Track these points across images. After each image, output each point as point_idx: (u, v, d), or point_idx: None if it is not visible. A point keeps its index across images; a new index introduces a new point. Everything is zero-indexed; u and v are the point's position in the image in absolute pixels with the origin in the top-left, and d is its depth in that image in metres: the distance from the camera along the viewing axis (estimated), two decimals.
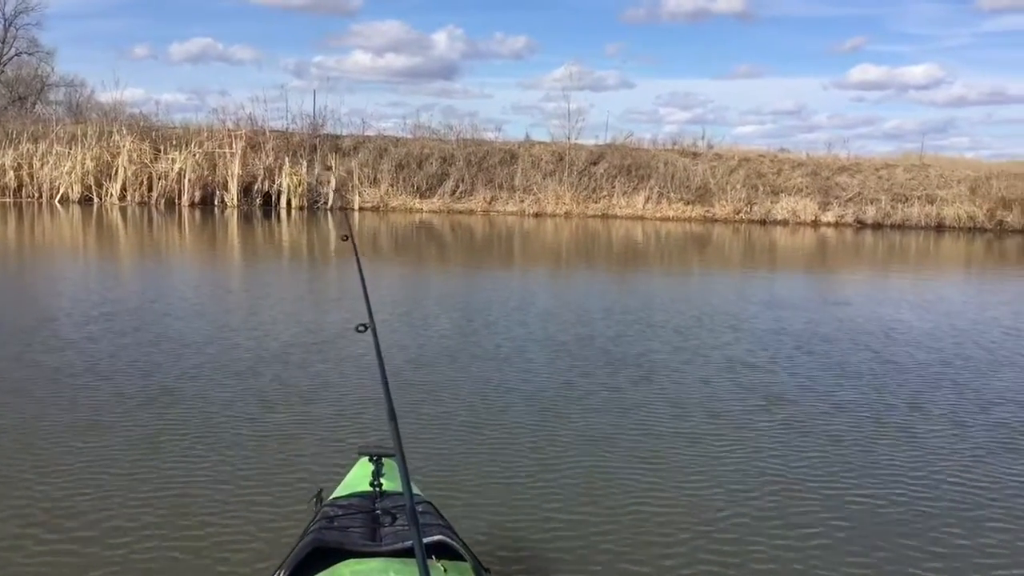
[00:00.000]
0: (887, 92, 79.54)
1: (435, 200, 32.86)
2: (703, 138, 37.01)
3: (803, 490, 5.19)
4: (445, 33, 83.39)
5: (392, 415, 2.52)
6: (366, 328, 2.96)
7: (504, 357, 8.51)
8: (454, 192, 33.28)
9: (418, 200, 32.71)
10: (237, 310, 10.85)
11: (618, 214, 32.43)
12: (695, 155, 34.97)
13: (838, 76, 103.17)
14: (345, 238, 3.99)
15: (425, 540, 2.51)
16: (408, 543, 2.53)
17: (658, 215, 32.21)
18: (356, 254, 3.87)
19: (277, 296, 12.12)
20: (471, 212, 32.21)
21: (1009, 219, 29.72)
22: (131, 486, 4.89)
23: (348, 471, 3.36)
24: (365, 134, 35.39)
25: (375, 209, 31.19)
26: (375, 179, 32.43)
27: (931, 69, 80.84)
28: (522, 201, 32.92)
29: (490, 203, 32.96)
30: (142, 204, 29.91)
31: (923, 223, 30.60)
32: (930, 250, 24.69)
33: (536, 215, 31.95)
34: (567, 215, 32.21)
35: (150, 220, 25.35)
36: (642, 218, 31.89)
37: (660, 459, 5.66)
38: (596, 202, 33.12)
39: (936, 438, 6.30)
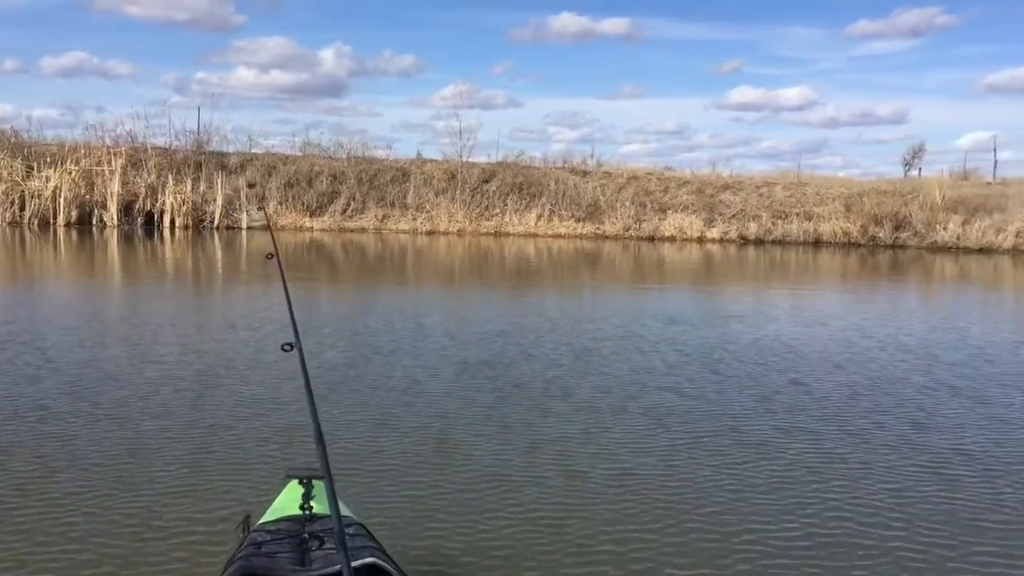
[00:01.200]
0: (764, 113, 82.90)
1: (326, 218, 32.39)
2: (592, 156, 37.72)
3: (703, 500, 5.29)
4: (332, 50, 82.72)
5: (319, 436, 2.46)
6: (292, 347, 2.89)
7: (414, 378, 8.42)
8: (345, 210, 32.89)
9: (308, 218, 32.19)
10: (139, 335, 10.40)
11: (511, 231, 32.65)
12: (585, 173, 35.57)
13: (718, 97, 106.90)
14: (270, 256, 3.89)
15: (355, 563, 2.49)
16: (338, 567, 2.48)
17: (550, 232, 32.58)
18: (282, 273, 3.77)
19: (182, 318, 11.69)
20: (363, 230, 31.87)
21: (880, 235, 31.24)
22: (52, 514, 4.70)
23: (277, 495, 3.28)
24: (252, 151, 34.67)
25: (265, 228, 30.52)
26: (263, 197, 31.76)
27: (805, 91, 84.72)
28: (415, 219, 32.79)
29: (382, 221, 32.70)
30: (13, 224, 28.44)
31: (802, 239, 31.86)
32: (809, 264, 25.72)
33: (429, 233, 31.86)
34: (460, 233, 32.23)
35: (23, 241, 24.11)
36: (535, 235, 32.19)
37: (578, 475, 5.68)
38: (489, 220, 33.28)
39: (833, 442, 6.54)
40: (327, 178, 33.38)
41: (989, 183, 38.25)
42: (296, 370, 2.89)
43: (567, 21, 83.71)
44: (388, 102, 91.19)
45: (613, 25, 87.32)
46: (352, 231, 31.74)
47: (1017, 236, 29.49)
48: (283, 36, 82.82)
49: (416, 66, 78.95)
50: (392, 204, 33.35)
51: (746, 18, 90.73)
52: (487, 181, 34.47)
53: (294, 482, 3.08)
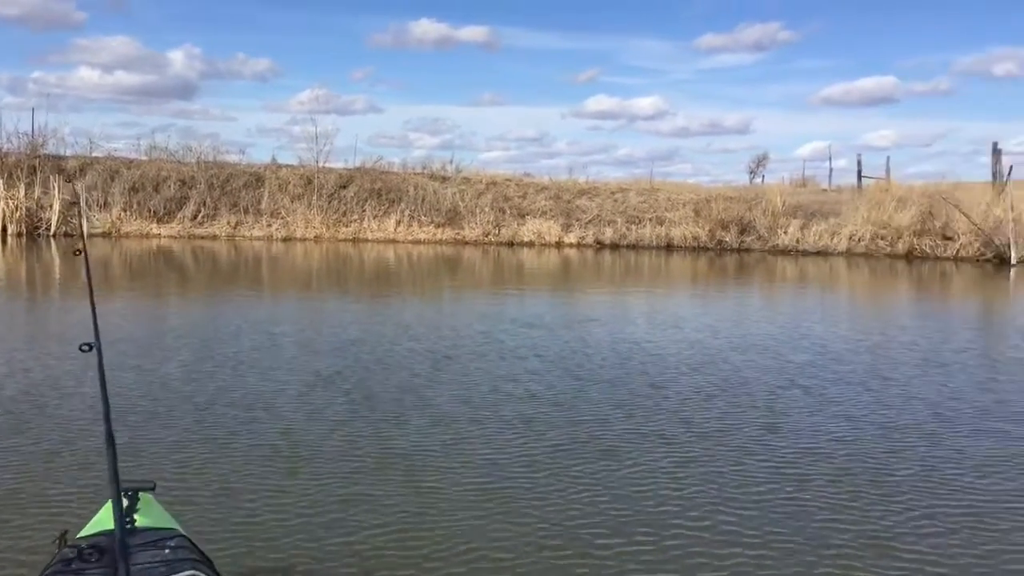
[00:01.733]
0: (620, 122, 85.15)
1: (175, 225, 31.09)
2: (451, 162, 37.74)
3: (563, 511, 5.33)
4: (182, 52, 79.53)
5: (110, 440, 2.37)
6: (91, 347, 2.78)
7: (263, 389, 8.14)
8: (195, 216, 31.67)
9: (156, 225, 30.82)
10: None
11: (369, 237, 32.25)
12: (444, 179, 35.53)
13: (576, 106, 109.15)
14: (77, 252, 3.66)
15: None
16: None
17: (410, 238, 32.37)
18: (87, 266, 3.59)
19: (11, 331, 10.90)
20: (215, 237, 30.77)
21: (727, 239, 32.59)
22: None
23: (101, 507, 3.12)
24: (93, 155, 32.88)
25: (106, 235, 29.02)
26: (105, 203, 30.22)
27: (657, 101, 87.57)
28: (269, 225, 31.92)
29: (235, 228, 31.66)
30: None
31: (655, 243, 32.84)
32: (662, 268, 26.55)
33: (285, 239, 31.08)
34: (317, 239, 31.59)
35: None
36: (394, 241, 31.91)
37: (431, 490, 5.60)
38: (347, 226, 32.76)
39: (697, 445, 6.72)
40: (175, 183, 32.06)
41: (825, 190, 40.56)
42: (112, 376, 2.74)
43: (427, 27, 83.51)
44: (242, 106, 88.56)
45: (472, 33, 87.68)
46: (203, 238, 30.58)
47: (850, 239, 31.34)
48: (128, 36, 79.16)
49: (272, 70, 76.99)
50: (245, 210, 32.35)
51: (601, 29, 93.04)
52: (345, 187, 33.94)
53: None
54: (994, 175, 32.11)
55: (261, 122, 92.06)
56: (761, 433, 7.07)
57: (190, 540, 2.86)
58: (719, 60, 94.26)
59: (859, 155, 38.44)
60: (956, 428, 7.34)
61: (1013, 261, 27.51)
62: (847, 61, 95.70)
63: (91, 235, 28.64)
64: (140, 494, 2.88)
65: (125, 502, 2.78)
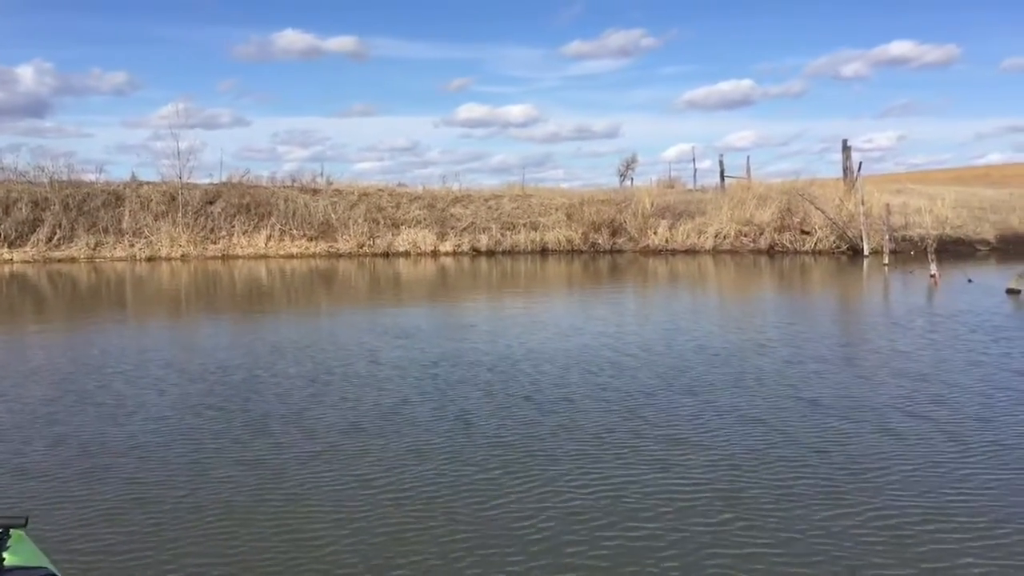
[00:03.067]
0: (491, 129, 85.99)
1: (28, 249, 29.54)
2: (322, 175, 37.19)
3: (447, 511, 5.30)
4: (31, 67, 75.69)
5: None
6: None
7: (125, 421, 7.77)
8: (51, 239, 30.17)
9: (7, 250, 29.19)
10: None
11: (240, 254, 31.41)
12: (315, 191, 34.97)
13: (447, 114, 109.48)
14: None
15: None
16: None
17: (282, 253, 31.69)
18: None
19: None
20: (73, 260, 29.34)
21: (600, 241, 33.30)
22: None
23: None
24: None
25: None
26: None
27: (528, 109, 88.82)
28: (132, 245, 30.69)
29: (95, 249, 30.30)
30: None
31: (529, 248, 33.24)
32: (538, 273, 26.85)
33: (149, 259, 29.93)
34: (184, 258, 30.53)
35: None
36: (265, 257, 31.18)
37: (311, 506, 5.47)
38: (215, 243, 31.81)
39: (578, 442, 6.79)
40: (27, 205, 30.46)
41: (691, 190, 41.93)
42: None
43: (292, 38, 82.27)
44: (99, 122, 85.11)
45: (340, 43, 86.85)
46: (60, 261, 29.12)
47: (716, 237, 32.53)
48: None
49: (130, 83, 74.25)
50: (105, 230, 31.00)
51: (470, 38, 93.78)
52: (211, 203, 32.95)
53: None
54: (845, 171, 33.94)
55: (120, 138, 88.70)
56: (642, 428, 7.24)
57: None
58: (586, 67, 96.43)
59: (721, 156, 39.85)
60: (805, 412, 7.70)
61: (866, 252, 29.12)
62: (707, 66, 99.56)
63: None
64: (11, 531, 2.75)
65: None
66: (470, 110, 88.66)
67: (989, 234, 31.71)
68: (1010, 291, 17.10)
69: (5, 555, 2.67)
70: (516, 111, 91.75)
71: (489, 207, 35.48)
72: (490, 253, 32.72)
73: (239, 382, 9.46)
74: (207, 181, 35.14)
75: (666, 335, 12.79)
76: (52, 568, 2.81)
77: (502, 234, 33.75)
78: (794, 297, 19.57)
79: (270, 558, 4.74)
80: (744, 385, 9.07)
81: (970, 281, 19.92)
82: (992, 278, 20.30)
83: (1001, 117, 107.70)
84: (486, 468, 6.30)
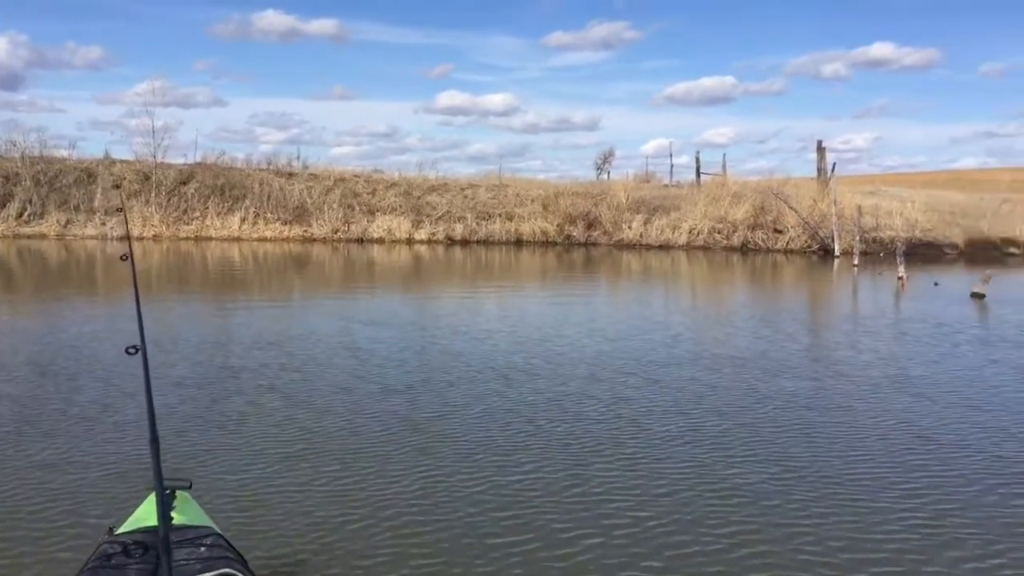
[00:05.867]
0: (471, 118, 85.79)
1: None
2: (298, 158, 37.00)
3: (407, 504, 5.38)
4: (6, 38, 74.29)
5: (154, 439, 2.52)
6: (137, 350, 2.78)
7: (94, 400, 7.78)
8: (21, 215, 29.88)
9: None
10: None
11: (213, 236, 31.23)
12: (291, 175, 34.81)
13: (427, 101, 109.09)
14: (124, 258, 3.71)
15: (210, 574, 2.56)
16: None
17: (255, 236, 31.54)
18: (134, 273, 3.68)
19: None
20: (43, 236, 29.08)
21: (575, 233, 33.41)
22: None
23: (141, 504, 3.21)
24: None
25: None
26: None
27: (508, 98, 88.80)
28: (103, 224, 30.37)
29: (65, 227, 30.01)
30: None
31: (504, 238, 33.28)
32: (512, 263, 26.93)
33: (121, 239, 29.65)
34: (156, 238, 30.32)
35: None
36: (239, 239, 31.02)
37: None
38: (188, 224, 31.61)
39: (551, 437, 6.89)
40: None
41: (667, 185, 42.14)
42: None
43: (272, 19, 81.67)
44: (73, 97, 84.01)
45: (321, 26, 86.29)
46: (30, 237, 28.85)
47: (690, 233, 32.74)
48: None
49: (105, 59, 73.32)
50: (77, 208, 30.70)
51: (453, 24, 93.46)
52: (185, 183, 32.72)
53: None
54: (819, 171, 34.28)
55: (94, 115, 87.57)
56: (620, 422, 7.35)
57: (225, 539, 2.91)
58: (568, 58, 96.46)
59: (698, 152, 40.22)
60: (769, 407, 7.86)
61: (836, 252, 29.45)
62: (689, 61, 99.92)
63: None
64: (177, 492, 2.94)
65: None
66: (450, 97, 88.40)
67: (958, 238, 32.13)
68: (974, 295, 17.40)
69: (173, 515, 2.82)
70: (496, 100, 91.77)
71: (465, 196, 35.47)
72: (465, 242, 32.74)
73: (213, 366, 9.48)
74: (181, 161, 34.90)
75: (631, 331, 12.92)
76: (215, 527, 2.99)
77: (477, 223, 33.75)
78: (763, 296, 19.80)
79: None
80: (706, 384, 9.21)
81: (936, 284, 20.24)
82: (958, 282, 20.63)
83: (976, 122, 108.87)
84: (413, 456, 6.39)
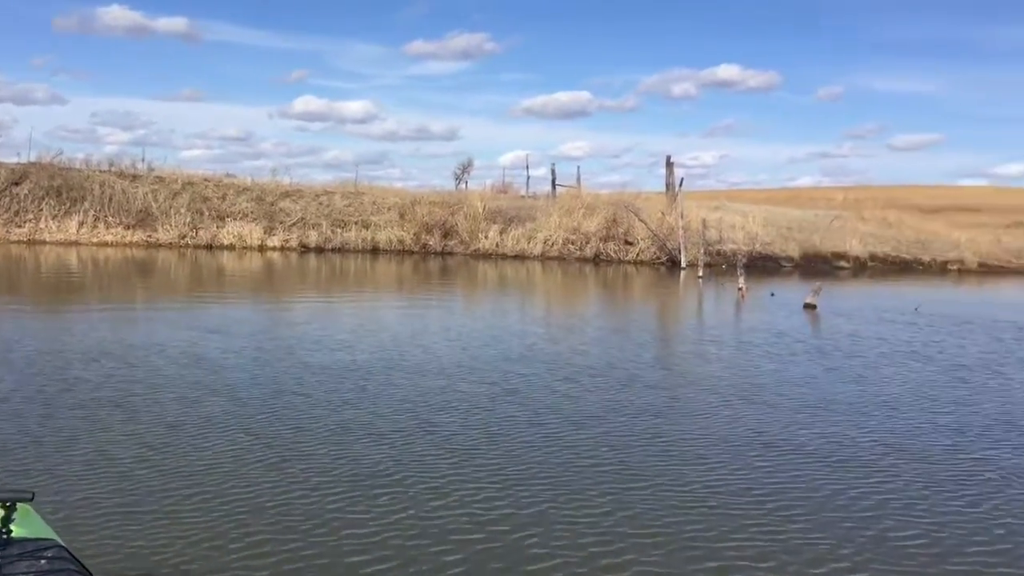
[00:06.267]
0: (328, 124, 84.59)
1: None
2: (143, 160, 35.36)
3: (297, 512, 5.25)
4: None
5: None
6: None
7: None
8: None
9: None
10: None
11: (47, 239, 29.45)
12: (135, 177, 33.23)
13: (283, 106, 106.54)
14: None
15: None
16: None
17: (95, 240, 29.95)
18: None
19: None
20: None
21: (431, 242, 33.41)
22: None
23: None
24: None
25: None
26: None
27: (367, 105, 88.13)
28: None
29: None
30: None
31: (360, 246, 32.91)
32: (368, 272, 26.67)
33: None
34: None
35: None
36: (77, 244, 29.38)
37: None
38: (20, 226, 29.70)
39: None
40: None
41: (523, 196, 42.72)
42: None
43: (117, 15, 78.03)
44: None
45: (170, 23, 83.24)
46: None
47: (544, 243, 33.34)
48: None
49: None
50: None
51: (312, 29, 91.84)
52: (17, 183, 30.74)
53: None
54: (668, 186, 35.61)
55: None
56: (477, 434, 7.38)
57: (69, 551, 2.76)
58: (428, 67, 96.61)
59: (553, 164, 40.98)
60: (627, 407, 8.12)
61: (683, 264, 30.67)
62: (546, 75, 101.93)
63: None
64: (18, 504, 2.78)
65: (1, 512, 2.71)
66: (307, 103, 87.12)
67: (794, 252, 34.07)
68: (807, 306, 18.48)
69: (12, 527, 2.71)
70: (355, 107, 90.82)
71: (320, 203, 34.85)
72: (319, 250, 32.17)
73: (40, 377, 8.93)
74: (14, 160, 32.74)
75: (488, 340, 13.04)
76: (59, 540, 2.84)
77: (332, 231, 33.24)
78: (615, 307, 20.39)
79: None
80: (544, 387, 9.40)
81: (772, 295, 21.39)
82: (793, 293, 21.85)
83: (813, 143, 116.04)
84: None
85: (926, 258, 35.81)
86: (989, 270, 35.01)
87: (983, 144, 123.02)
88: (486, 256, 32.67)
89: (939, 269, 34.93)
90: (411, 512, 5.54)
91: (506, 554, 4.97)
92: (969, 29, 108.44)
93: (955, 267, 35.27)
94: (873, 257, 35.20)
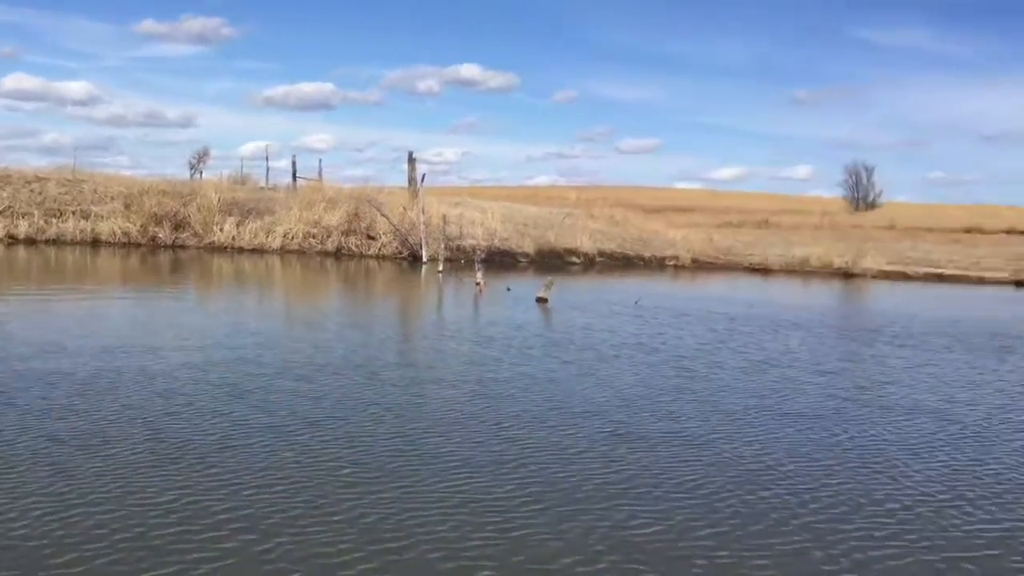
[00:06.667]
0: (45, 104, 77.10)
1: None
2: None
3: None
4: None
5: None
6: None
7: None
8: None
9: None
10: None
11: None
12: None
13: None
14: None
15: None
16: None
17: None
18: None
19: None
20: None
21: (161, 235, 31.42)
22: None
23: None
24: None
25: None
26: None
27: (90, 87, 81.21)
28: None
29: None
30: None
31: (79, 238, 30.34)
32: (87, 266, 24.67)
33: None
34: None
35: None
36: None
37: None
38: None
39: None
40: None
41: (263, 188, 41.29)
42: None
43: None
44: None
45: None
46: None
47: (284, 237, 32.41)
48: None
49: None
50: None
51: (24, 2, 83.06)
52: None
53: None
54: (410, 181, 35.83)
55: None
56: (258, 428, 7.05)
57: None
58: (160, 49, 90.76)
59: (294, 156, 40.52)
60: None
61: (424, 259, 31.01)
62: (288, 65, 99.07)
63: None
64: None
65: None
66: (19, 80, 78.84)
67: (530, 247, 35.44)
68: (539, 299, 19.32)
69: None
70: (75, 88, 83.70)
71: (32, 190, 31.75)
72: (30, 241, 29.31)
73: None
74: None
75: (221, 339, 12.52)
76: None
77: (47, 221, 30.39)
78: (356, 302, 20.26)
79: None
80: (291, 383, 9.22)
81: (508, 289, 22.13)
82: (527, 287, 22.73)
83: (549, 144, 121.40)
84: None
85: (647, 254, 38.51)
86: (701, 266, 38.22)
87: (699, 150, 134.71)
88: (221, 250, 31.23)
89: (658, 265, 37.71)
90: (136, 532, 5.21)
91: (247, 565, 4.81)
92: (689, 43, 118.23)
93: (672, 263, 38.21)
94: (601, 253, 37.36)
